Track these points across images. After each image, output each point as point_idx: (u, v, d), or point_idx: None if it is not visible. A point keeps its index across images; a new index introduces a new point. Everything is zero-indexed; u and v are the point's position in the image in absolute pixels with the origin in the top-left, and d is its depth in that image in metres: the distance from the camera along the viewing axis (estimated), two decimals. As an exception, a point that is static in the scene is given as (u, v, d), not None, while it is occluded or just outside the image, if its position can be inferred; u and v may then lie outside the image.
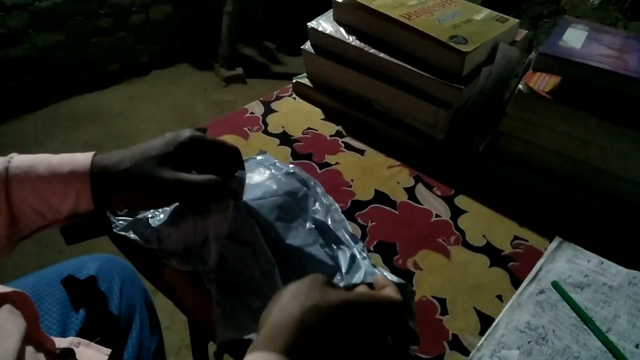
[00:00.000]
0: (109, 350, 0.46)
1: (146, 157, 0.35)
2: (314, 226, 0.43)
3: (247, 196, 0.40)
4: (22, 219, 0.35)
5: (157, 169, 0.34)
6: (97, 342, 0.46)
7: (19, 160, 0.35)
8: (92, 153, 0.36)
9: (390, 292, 0.33)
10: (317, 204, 0.47)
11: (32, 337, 0.36)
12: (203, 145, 0.38)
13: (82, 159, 0.35)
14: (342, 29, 0.63)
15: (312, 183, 0.50)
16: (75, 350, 0.43)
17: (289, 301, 0.29)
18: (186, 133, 0.37)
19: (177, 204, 0.41)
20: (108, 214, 0.44)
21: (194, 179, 0.35)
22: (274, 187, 0.43)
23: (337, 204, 0.49)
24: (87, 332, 0.49)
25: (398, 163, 0.59)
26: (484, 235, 0.50)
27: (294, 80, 0.71)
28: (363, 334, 0.30)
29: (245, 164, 0.41)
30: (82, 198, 0.35)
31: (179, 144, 0.36)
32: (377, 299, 0.31)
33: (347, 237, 0.45)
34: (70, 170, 0.34)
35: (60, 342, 0.42)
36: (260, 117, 0.65)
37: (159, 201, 0.37)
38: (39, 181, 0.34)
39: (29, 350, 0.34)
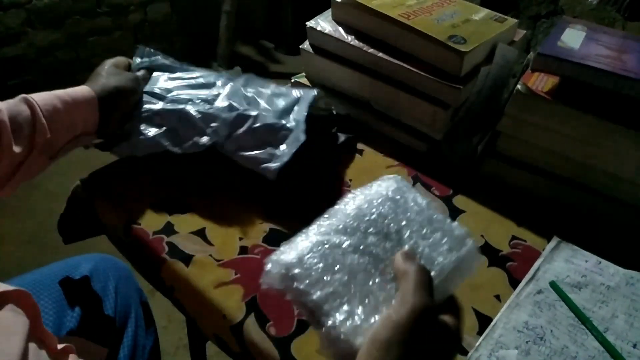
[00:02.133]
0: (105, 350, 0.46)
1: (116, 73, 0.53)
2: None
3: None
4: (54, 133, 0.44)
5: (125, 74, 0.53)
6: (92, 342, 0.46)
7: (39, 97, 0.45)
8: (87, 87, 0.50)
9: (411, 285, 0.25)
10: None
11: (34, 335, 0.36)
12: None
13: (86, 90, 0.50)
14: (341, 29, 0.62)
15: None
16: (73, 348, 0.43)
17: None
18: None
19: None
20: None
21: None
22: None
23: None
24: (83, 332, 0.49)
25: (396, 163, 0.59)
26: (482, 235, 0.50)
27: (292, 80, 0.71)
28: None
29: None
30: (91, 117, 0.48)
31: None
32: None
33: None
34: (82, 98, 0.48)
35: (58, 341, 0.42)
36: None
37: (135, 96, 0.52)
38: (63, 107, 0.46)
39: (32, 347, 0.34)
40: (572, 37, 0.55)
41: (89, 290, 0.54)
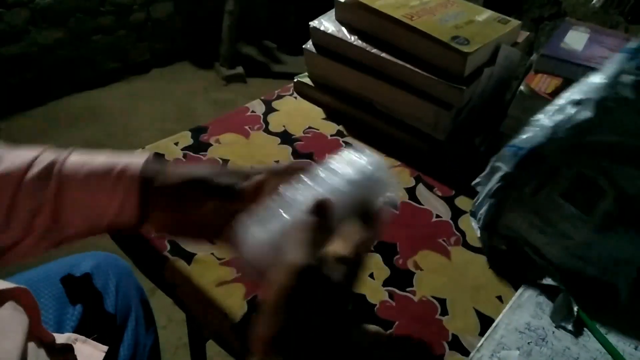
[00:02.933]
0: (105, 347, 0.46)
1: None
2: None
3: None
4: (64, 218, 0.33)
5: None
6: (93, 339, 0.46)
7: (75, 157, 0.34)
8: (146, 155, 0.34)
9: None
10: None
11: (34, 333, 0.36)
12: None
13: (135, 160, 0.34)
14: (344, 29, 0.62)
15: None
16: (73, 346, 0.43)
17: None
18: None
19: None
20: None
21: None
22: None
23: None
24: (83, 329, 0.49)
25: (399, 163, 0.59)
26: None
27: (295, 80, 0.71)
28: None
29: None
30: (127, 203, 0.33)
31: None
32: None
33: None
34: (122, 169, 0.33)
35: (58, 338, 0.42)
36: (262, 116, 0.65)
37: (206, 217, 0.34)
38: (90, 176, 0.33)
39: (31, 346, 0.34)
40: (575, 39, 0.55)
41: (90, 288, 0.54)
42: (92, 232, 0.35)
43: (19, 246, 0.33)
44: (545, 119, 0.43)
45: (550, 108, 0.43)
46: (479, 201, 0.48)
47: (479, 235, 0.48)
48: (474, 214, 0.49)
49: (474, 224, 0.49)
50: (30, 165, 0.33)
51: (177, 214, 0.34)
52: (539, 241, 0.44)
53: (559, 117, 0.42)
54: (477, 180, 0.49)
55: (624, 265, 0.42)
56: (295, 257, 0.25)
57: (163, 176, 0.33)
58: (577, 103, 0.41)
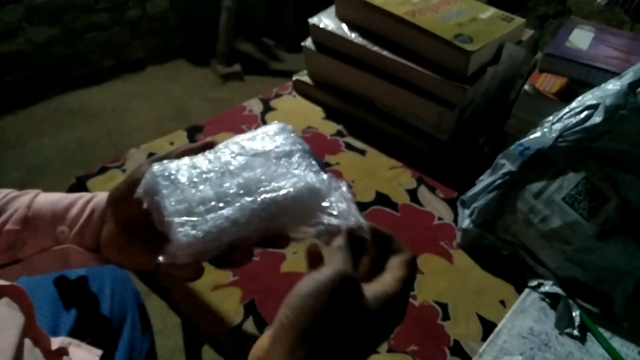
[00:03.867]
0: (100, 352, 0.45)
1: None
2: None
3: None
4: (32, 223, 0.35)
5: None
6: (88, 343, 0.45)
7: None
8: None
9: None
10: None
11: (29, 332, 0.35)
12: None
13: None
14: (344, 26, 0.61)
15: None
16: (67, 349, 0.42)
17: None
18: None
19: None
20: None
21: None
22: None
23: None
24: (78, 333, 0.48)
25: (400, 164, 0.58)
26: (487, 239, 0.49)
27: (294, 78, 0.70)
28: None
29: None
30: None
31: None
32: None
33: None
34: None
35: (52, 342, 0.41)
36: (259, 115, 0.64)
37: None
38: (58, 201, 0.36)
39: (28, 344, 0.34)
40: (580, 38, 0.54)
41: (85, 291, 0.53)
42: (52, 253, 0.36)
43: None
44: (556, 120, 0.43)
45: (563, 110, 0.43)
46: (473, 192, 0.47)
47: (464, 225, 0.47)
48: (464, 203, 0.49)
49: (461, 212, 0.49)
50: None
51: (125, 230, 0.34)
52: (536, 245, 0.44)
53: (571, 121, 0.41)
54: (481, 178, 0.48)
55: (621, 277, 0.42)
56: (339, 266, 0.24)
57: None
58: (590, 108, 0.41)
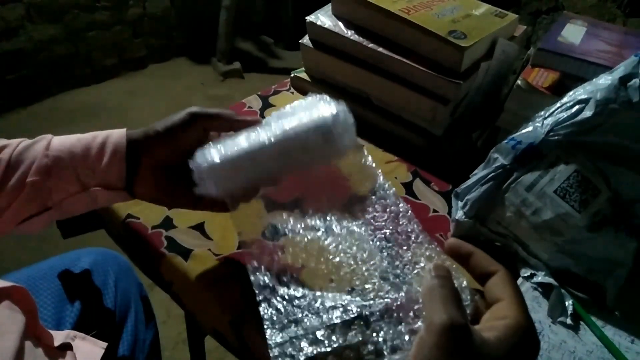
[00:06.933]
0: (104, 344, 0.46)
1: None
2: None
3: None
4: (54, 172, 0.36)
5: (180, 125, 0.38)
6: (92, 336, 0.46)
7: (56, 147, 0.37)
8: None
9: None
10: None
11: (31, 332, 0.36)
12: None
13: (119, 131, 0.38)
14: (340, 23, 0.62)
15: None
16: (72, 343, 0.43)
17: None
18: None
19: None
20: None
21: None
22: None
23: None
24: (83, 326, 0.49)
25: (396, 158, 0.59)
26: (481, 231, 0.50)
27: (292, 75, 0.70)
28: None
29: None
30: (114, 158, 0.37)
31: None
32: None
33: None
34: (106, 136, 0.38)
35: (56, 336, 0.42)
36: (258, 112, 0.65)
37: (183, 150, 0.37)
38: (78, 141, 0.38)
39: (28, 345, 0.34)
40: (573, 33, 0.55)
41: (89, 284, 0.54)
42: (80, 196, 0.37)
43: (7, 212, 0.35)
44: (548, 115, 0.43)
45: (554, 105, 0.43)
46: (467, 185, 0.48)
47: (457, 216, 0.47)
48: (457, 196, 0.50)
49: (455, 205, 0.49)
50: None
51: (163, 174, 0.37)
52: (528, 237, 0.44)
53: (562, 115, 0.42)
54: (475, 172, 0.49)
55: (613, 267, 0.42)
56: (443, 316, 0.21)
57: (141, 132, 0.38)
58: (581, 102, 0.41)
